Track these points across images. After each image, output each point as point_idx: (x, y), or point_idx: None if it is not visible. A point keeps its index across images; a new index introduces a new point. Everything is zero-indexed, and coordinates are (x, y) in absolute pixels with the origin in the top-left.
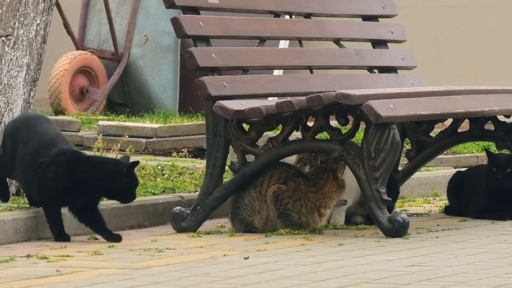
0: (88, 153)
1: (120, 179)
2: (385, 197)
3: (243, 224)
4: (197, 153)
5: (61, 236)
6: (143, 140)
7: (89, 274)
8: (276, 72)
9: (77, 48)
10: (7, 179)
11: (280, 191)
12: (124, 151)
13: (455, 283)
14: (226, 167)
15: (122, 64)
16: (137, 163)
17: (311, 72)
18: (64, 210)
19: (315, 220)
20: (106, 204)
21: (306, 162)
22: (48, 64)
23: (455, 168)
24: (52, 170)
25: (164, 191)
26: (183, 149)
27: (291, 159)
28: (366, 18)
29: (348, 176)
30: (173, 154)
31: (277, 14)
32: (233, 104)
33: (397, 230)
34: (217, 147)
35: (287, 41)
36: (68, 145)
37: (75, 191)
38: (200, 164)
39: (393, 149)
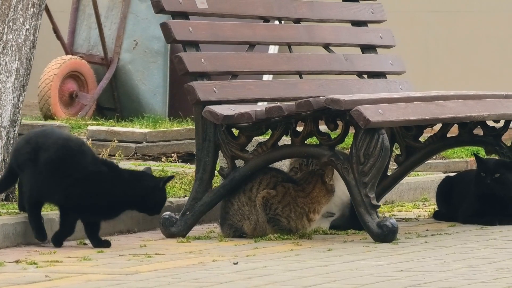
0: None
1: (156, 194)
2: (374, 202)
3: (233, 229)
4: (186, 158)
5: (104, 241)
6: (133, 145)
7: (78, 280)
8: (266, 77)
9: (67, 53)
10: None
11: (269, 196)
12: (114, 156)
13: None
14: (216, 172)
15: (111, 68)
16: (172, 177)
17: (301, 77)
18: (54, 216)
19: (304, 225)
20: None
21: (297, 171)
22: (38, 69)
23: (444, 173)
24: (88, 188)
25: None
26: (172, 154)
27: (280, 165)
28: (356, 23)
29: (339, 189)
30: (162, 159)
31: (266, 19)
32: (223, 109)
33: (386, 235)
34: (207, 152)
35: (277, 46)
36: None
37: (109, 207)
38: (190, 169)
39: (382, 154)
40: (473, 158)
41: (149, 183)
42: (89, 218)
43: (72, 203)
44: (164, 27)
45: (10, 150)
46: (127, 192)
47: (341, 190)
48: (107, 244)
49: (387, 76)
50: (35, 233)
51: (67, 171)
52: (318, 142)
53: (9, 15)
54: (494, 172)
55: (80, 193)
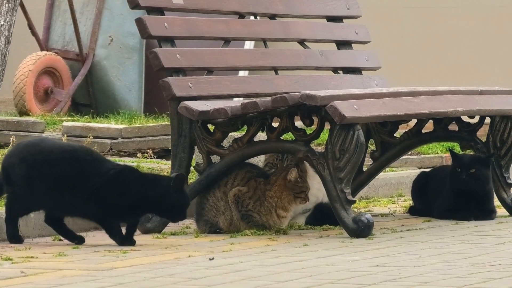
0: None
1: (170, 195)
2: (350, 197)
3: (208, 225)
4: (162, 154)
5: (125, 241)
6: (108, 141)
7: (53, 275)
8: (241, 73)
9: (42, 49)
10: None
11: (241, 193)
12: None
13: (420, 283)
14: (191, 168)
15: (86, 64)
16: (181, 175)
17: (276, 73)
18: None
19: (274, 221)
20: None
21: (272, 166)
22: (12, 65)
23: (419, 168)
24: (113, 189)
25: None
26: (148, 150)
27: (255, 160)
28: (331, 19)
29: (314, 187)
30: (138, 155)
31: (242, 15)
32: (198, 104)
33: (361, 230)
34: (182, 148)
35: (252, 42)
36: (108, 161)
37: (132, 209)
38: (165, 165)
39: (357, 149)
40: (448, 154)
41: (163, 182)
42: (128, 220)
43: (110, 211)
44: (139, 22)
45: None
46: (145, 194)
47: (315, 188)
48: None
49: (362, 72)
50: (11, 240)
51: (88, 182)
52: (293, 138)
53: None
54: (469, 167)
55: (112, 199)
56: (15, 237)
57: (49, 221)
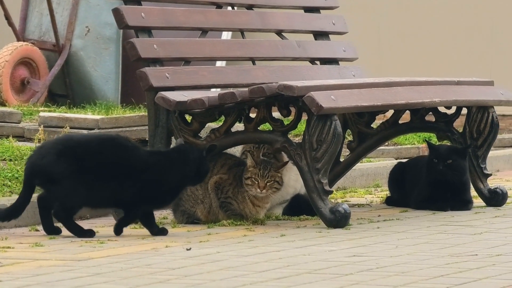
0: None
1: (203, 164)
2: (327, 188)
3: (186, 215)
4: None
5: (160, 230)
6: (85, 131)
7: (30, 266)
8: (219, 64)
9: (18, 39)
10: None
11: (222, 180)
12: None
13: (396, 273)
14: None
15: (63, 55)
16: (213, 146)
17: (254, 63)
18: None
19: (250, 210)
20: None
21: (249, 153)
22: None
23: (396, 159)
24: (159, 174)
25: None
26: None
27: (233, 151)
28: (308, 9)
29: (291, 178)
30: None
31: (219, 6)
32: (175, 95)
33: (338, 220)
34: (159, 138)
35: (230, 33)
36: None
37: (179, 189)
38: None
39: (334, 140)
40: (425, 145)
41: (196, 154)
42: (156, 208)
43: (145, 199)
44: (116, 12)
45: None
46: (186, 170)
47: (293, 179)
48: (165, 232)
49: (339, 62)
50: (82, 236)
51: (133, 169)
52: (271, 129)
53: None
54: (446, 158)
55: (151, 186)
56: (87, 232)
57: (61, 214)
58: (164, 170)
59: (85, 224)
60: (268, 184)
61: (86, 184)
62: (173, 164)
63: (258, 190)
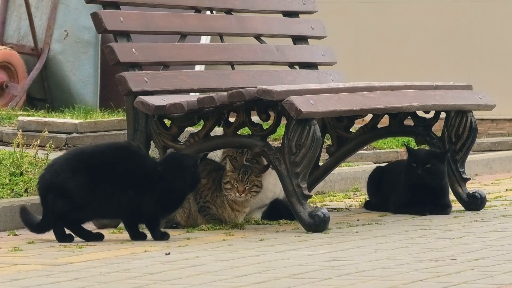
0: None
1: (196, 172)
2: (306, 192)
3: (165, 219)
4: None
5: (163, 235)
6: (64, 135)
7: (8, 270)
8: (198, 68)
9: None
10: None
11: (201, 185)
12: (44, 146)
13: (375, 277)
14: None
15: (42, 59)
16: (206, 155)
17: (233, 68)
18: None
19: (229, 214)
20: (25, 200)
21: (232, 159)
22: None
23: (375, 163)
24: (169, 183)
25: None
26: None
27: (212, 155)
28: (287, 14)
29: (271, 183)
30: None
31: (198, 10)
32: (154, 99)
33: (317, 225)
34: (139, 142)
35: (209, 37)
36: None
37: (185, 195)
38: None
39: (313, 144)
40: (403, 149)
41: (191, 162)
42: (166, 216)
43: (160, 207)
44: (95, 17)
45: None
46: (187, 177)
47: (272, 183)
48: (167, 236)
49: (318, 67)
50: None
51: (145, 177)
52: (250, 133)
53: None
54: (425, 162)
55: (165, 194)
56: (96, 235)
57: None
58: (173, 178)
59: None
60: (247, 188)
61: (100, 197)
62: (178, 171)
63: (237, 194)
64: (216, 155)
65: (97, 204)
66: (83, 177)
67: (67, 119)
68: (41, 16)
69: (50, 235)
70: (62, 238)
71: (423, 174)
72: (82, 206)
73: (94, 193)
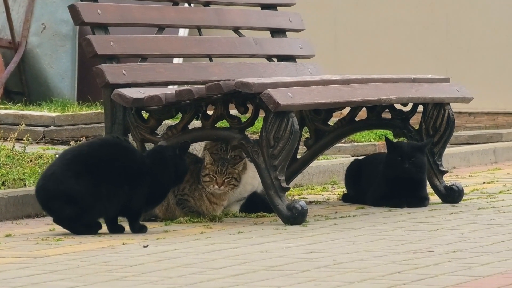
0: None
1: (180, 163)
2: (284, 184)
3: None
4: None
5: (142, 227)
6: (41, 128)
7: None
8: (176, 60)
9: None
10: None
11: None
12: (22, 140)
13: (353, 269)
14: None
15: (19, 52)
16: (186, 143)
17: (211, 60)
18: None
19: (207, 207)
20: (3, 193)
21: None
22: None
23: (352, 156)
24: (156, 175)
25: None
26: (81, 138)
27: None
28: (265, 6)
29: (249, 176)
30: (71, 143)
31: (175, 2)
32: (132, 92)
33: (295, 217)
34: (117, 135)
35: (187, 29)
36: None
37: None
38: None
39: (292, 137)
40: (381, 142)
41: (171, 153)
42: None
43: (147, 200)
44: (72, 9)
45: None
46: (170, 169)
47: (250, 176)
48: (145, 229)
49: (296, 59)
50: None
51: (136, 172)
52: (228, 126)
53: None
54: (411, 156)
55: (153, 187)
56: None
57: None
58: (159, 171)
59: (41, 222)
60: (226, 180)
61: (104, 196)
62: (163, 164)
63: (216, 186)
64: (193, 148)
65: (101, 204)
66: (85, 180)
67: (45, 112)
68: (18, 9)
69: (27, 227)
70: (87, 230)
71: (409, 167)
72: (88, 208)
73: (98, 194)
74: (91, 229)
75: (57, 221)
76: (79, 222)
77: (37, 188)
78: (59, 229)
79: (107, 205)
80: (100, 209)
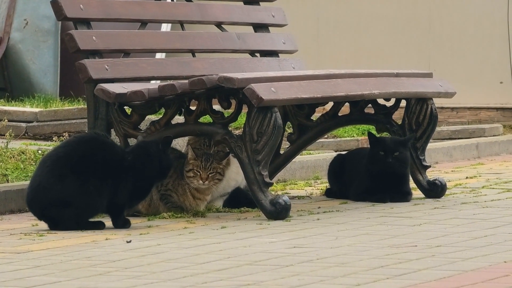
0: None
1: (162, 159)
2: (268, 180)
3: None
4: None
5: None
6: (23, 124)
7: None
8: (159, 56)
9: None
10: None
11: None
12: (4, 135)
13: (336, 264)
14: None
15: (1, 48)
16: (169, 137)
17: (194, 55)
18: None
19: (190, 202)
20: None
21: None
22: None
23: (335, 151)
24: (139, 171)
25: None
26: (64, 134)
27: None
28: (248, 2)
29: (233, 171)
30: (54, 139)
31: None
32: (115, 87)
33: (279, 212)
34: (99, 130)
35: (169, 25)
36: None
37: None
38: None
39: (275, 132)
40: (364, 137)
41: (155, 148)
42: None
43: (131, 196)
44: (55, 4)
45: None
46: (154, 164)
47: (234, 171)
48: (128, 224)
49: (279, 54)
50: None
51: (119, 167)
52: (211, 121)
53: None
54: (394, 150)
55: (141, 180)
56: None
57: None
58: (142, 167)
59: (24, 217)
60: (210, 175)
61: (92, 193)
62: (146, 160)
63: (201, 181)
64: (176, 143)
65: (93, 200)
66: (72, 181)
67: (27, 108)
68: (0, 4)
69: (9, 223)
70: (93, 225)
71: (393, 162)
72: (83, 206)
73: (87, 191)
74: (94, 224)
75: (55, 227)
76: (80, 220)
77: (28, 202)
78: (42, 224)
79: (98, 200)
80: (94, 205)
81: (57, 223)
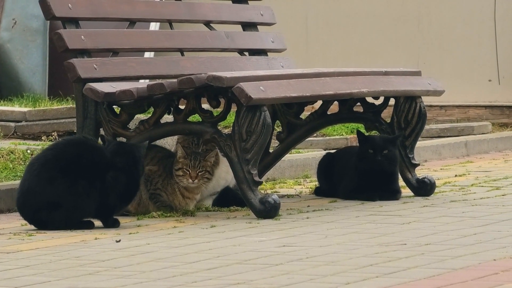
0: None
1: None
2: (257, 178)
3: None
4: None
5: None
6: (12, 124)
7: None
8: (147, 55)
9: None
10: None
11: (151, 172)
12: None
13: (326, 262)
14: None
15: None
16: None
17: (182, 54)
18: None
19: (180, 202)
20: None
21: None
22: None
23: (325, 150)
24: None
25: None
26: (53, 133)
27: (162, 142)
28: (236, 0)
29: (223, 170)
30: (42, 138)
31: None
32: (104, 86)
33: (268, 211)
34: (88, 130)
35: (158, 23)
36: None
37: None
38: None
39: (264, 131)
40: (353, 135)
41: (141, 152)
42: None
43: (121, 197)
44: (43, 3)
45: None
46: (139, 167)
47: (224, 170)
48: (118, 224)
49: (268, 53)
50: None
51: (107, 169)
52: (200, 120)
53: None
54: (383, 149)
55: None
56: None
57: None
58: (128, 169)
59: (13, 217)
60: (199, 174)
61: (81, 194)
62: (131, 162)
63: (190, 180)
64: (165, 142)
65: (83, 201)
66: (61, 183)
67: (16, 108)
68: None
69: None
70: (83, 225)
71: (382, 160)
72: (74, 206)
73: (76, 192)
74: (83, 224)
75: (44, 228)
76: (70, 222)
77: (19, 206)
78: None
79: (88, 202)
80: (84, 206)
81: (47, 226)
